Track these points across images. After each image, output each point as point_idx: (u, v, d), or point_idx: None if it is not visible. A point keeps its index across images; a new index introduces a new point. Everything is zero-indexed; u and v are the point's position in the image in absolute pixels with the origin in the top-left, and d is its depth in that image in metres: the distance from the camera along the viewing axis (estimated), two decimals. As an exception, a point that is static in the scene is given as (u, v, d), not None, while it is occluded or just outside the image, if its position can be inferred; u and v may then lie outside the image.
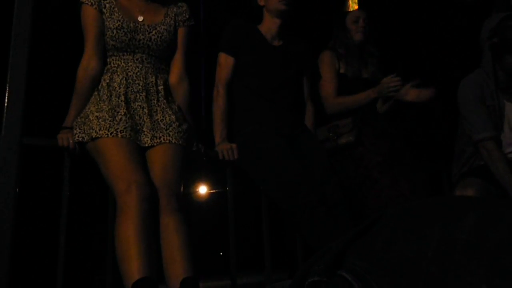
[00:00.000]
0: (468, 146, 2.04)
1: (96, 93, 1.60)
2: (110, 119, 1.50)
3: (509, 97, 2.00)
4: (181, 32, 1.76)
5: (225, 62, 2.00)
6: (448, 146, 2.25)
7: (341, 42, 2.22)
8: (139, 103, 1.58)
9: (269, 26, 2.05)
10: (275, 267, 1.93)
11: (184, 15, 1.77)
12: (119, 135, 1.47)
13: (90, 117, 1.52)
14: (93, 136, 1.48)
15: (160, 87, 1.65)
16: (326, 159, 1.92)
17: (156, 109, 1.61)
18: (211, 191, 3.86)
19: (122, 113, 1.52)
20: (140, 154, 1.52)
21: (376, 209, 1.94)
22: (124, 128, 1.50)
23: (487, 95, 1.98)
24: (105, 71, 1.64)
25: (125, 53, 1.63)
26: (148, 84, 1.63)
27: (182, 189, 1.58)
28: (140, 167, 1.46)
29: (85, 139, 1.51)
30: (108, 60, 1.66)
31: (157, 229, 1.45)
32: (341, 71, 2.21)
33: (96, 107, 1.55)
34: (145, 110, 1.58)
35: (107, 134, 1.47)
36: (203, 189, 3.83)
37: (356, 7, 2.26)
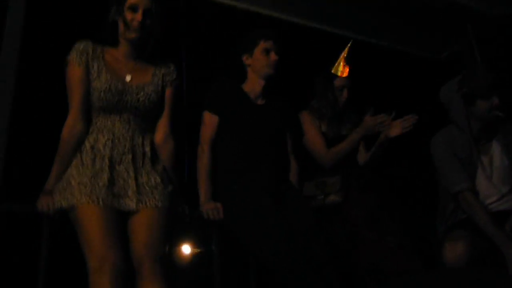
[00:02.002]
0: (449, 202, 2.07)
1: (79, 155, 1.55)
2: (91, 185, 1.46)
3: (482, 148, 2.07)
4: (168, 92, 1.75)
5: (210, 120, 2.02)
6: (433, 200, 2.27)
7: (328, 104, 2.29)
8: (124, 166, 1.55)
9: (253, 85, 2.09)
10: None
11: (172, 75, 1.77)
12: (101, 202, 1.43)
13: (72, 182, 1.48)
14: (74, 204, 1.44)
15: (147, 148, 1.63)
16: (313, 217, 1.90)
17: (141, 172, 1.58)
18: (196, 250, 3.74)
19: (106, 178, 1.48)
20: (120, 222, 1.48)
21: (366, 266, 1.91)
22: (107, 195, 1.46)
23: (459, 148, 2.04)
24: (90, 131, 1.60)
25: (112, 114, 1.60)
26: (135, 145, 1.60)
27: (166, 251, 1.53)
28: (118, 241, 1.41)
29: (65, 205, 1.46)
30: (93, 120, 1.62)
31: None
32: (322, 130, 2.27)
33: (77, 171, 1.51)
34: (130, 173, 1.54)
35: (88, 201, 1.42)
36: (186, 249, 3.70)
37: (345, 75, 2.35)
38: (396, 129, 2.14)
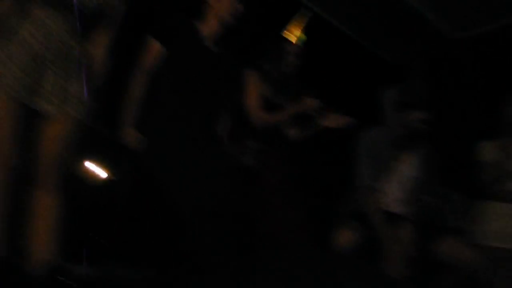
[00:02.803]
0: (355, 192, 2.21)
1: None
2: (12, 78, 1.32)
3: (402, 155, 2.22)
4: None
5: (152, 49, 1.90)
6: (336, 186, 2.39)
7: (273, 67, 2.26)
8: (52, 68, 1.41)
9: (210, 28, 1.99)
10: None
11: None
12: (16, 96, 1.31)
13: None
14: None
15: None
16: (227, 174, 1.90)
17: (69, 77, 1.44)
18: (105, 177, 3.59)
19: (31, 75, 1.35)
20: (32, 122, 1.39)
21: (265, 231, 1.99)
22: (24, 91, 1.33)
23: (382, 149, 2.17)
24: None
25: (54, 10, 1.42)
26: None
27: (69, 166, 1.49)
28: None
29: None
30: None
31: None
32: (263, 92, 2.25)
33: None
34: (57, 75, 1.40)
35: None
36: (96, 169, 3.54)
37: (295, 39, 2.29)
38: (331, 121, 2.19)
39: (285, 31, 2.31)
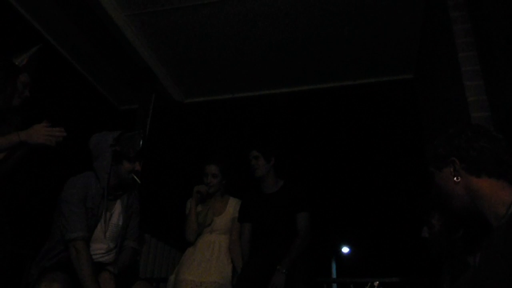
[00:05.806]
0: (59, 244, 2.08)
1: None
2: None
3: (109, 204, 2.24)
4: None
5: None
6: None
7: (4, 97, 1.97)
8: None
9: None
10: None
11: None
12: None
13: None
14: None
15: None
16: None
17: None
18: None
19: None
20: None
21: None
22: None
23: (90, 197, 2.13)
24: None
25: None
26: None
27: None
28: None
29: None
30: None
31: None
32: None
33: None
34: None
35: None
36: None
37: (25, 70, 2.08)
38: (42, 136, 1.91)
39: (16, 59, 2.07)
